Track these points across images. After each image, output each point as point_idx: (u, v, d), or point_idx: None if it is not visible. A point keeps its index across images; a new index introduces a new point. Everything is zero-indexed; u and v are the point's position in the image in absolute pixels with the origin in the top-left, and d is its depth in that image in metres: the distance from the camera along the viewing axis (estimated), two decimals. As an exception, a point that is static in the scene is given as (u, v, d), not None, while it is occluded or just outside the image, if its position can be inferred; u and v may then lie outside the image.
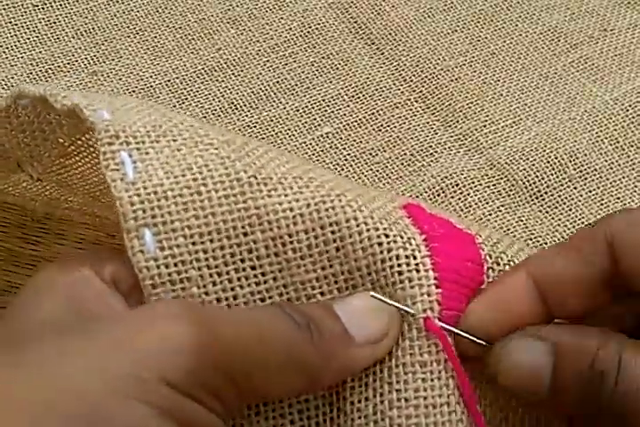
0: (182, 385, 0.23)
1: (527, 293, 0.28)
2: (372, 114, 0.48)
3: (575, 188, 0.46)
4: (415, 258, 0.28)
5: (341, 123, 0.48)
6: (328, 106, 0.48)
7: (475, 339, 0.27)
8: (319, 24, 0.51)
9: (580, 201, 0.45)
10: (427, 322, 0.28)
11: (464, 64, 0.50)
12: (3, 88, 0.45)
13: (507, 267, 0.30)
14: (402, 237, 0.28)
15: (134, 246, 0.26)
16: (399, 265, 0.28)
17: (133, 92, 0.46)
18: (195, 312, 0.25)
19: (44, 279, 0.27)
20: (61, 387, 0.22)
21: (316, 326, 0.26)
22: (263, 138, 0.46)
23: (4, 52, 0.46)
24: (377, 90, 0.49)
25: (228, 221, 0.27)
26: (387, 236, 0.28)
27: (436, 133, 0.47)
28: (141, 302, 0.27)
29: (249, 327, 0.25)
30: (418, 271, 0.28)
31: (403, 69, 0.50)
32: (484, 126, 0.48)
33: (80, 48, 0.48)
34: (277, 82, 0.49)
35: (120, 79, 0.47)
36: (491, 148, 0.47)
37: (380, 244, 0.28)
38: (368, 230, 0.28)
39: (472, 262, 0.29)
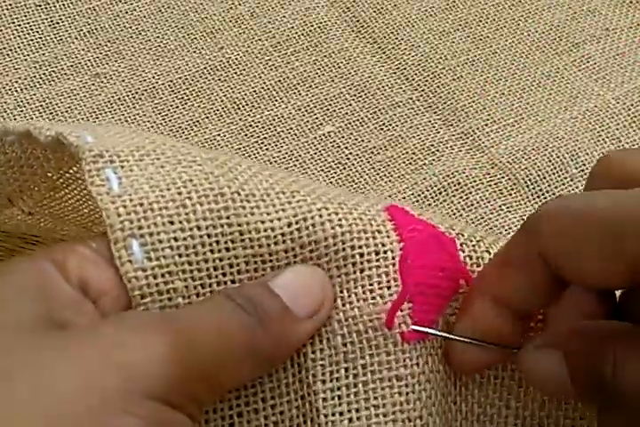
0: (167, 396, 0.24)
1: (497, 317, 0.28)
2: (374, 112, 0.48)
3: (577, 187, 0.46)
4: (387, 275, 0.29)
5: (343, 122, 0.48)
6: (330, 105, 0.48)
7: (466, 340, 0.28)
8: (321, 23, 0.51)
9: (581, 200, 0.45)
10: (403, 335, 0.28)
11: (466, 63, 0.50)
12: (7, 93, 0.45)
13: None
14: (377, 254, 0.29)
15: (122, 257, 0.26)
16: (371, 284, 0.29)
17: (136, 93, 0.46)
18: (165, 320, 0.26)
19: (10, 280, 0.27)
20: (49, 404, 0.22)
21: (262, 310, 0.27)
22: (265, 137, 0.46)
23: (8, 54, 0.46)
24: (379, 88, 0.49)
25: (212, 235, 0.27)
26: (361, 255, 0.29)
27: (438, 132, 0.48)
28: (110, 307, 0.27)
29: (210, 326, 0.26)
30: (389, 288, 0.29)
31: (404, 68, 0.50)
32: (486, 125, 0.48)
33: (83, 49, 0.48)
34: (279, 81, 0.49)
35: (123, 81, 0.47)
36: (492, 146, 0.47)
37: (354, 264, 0.29)
38: (344, 249, 0.29)
39: (447, 270, 0.30)
